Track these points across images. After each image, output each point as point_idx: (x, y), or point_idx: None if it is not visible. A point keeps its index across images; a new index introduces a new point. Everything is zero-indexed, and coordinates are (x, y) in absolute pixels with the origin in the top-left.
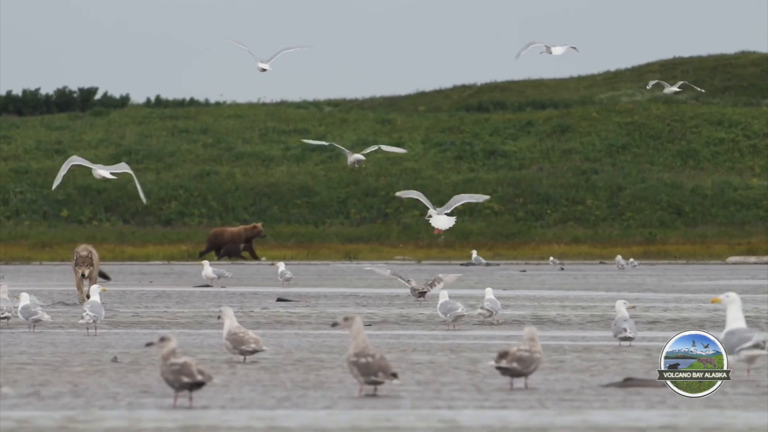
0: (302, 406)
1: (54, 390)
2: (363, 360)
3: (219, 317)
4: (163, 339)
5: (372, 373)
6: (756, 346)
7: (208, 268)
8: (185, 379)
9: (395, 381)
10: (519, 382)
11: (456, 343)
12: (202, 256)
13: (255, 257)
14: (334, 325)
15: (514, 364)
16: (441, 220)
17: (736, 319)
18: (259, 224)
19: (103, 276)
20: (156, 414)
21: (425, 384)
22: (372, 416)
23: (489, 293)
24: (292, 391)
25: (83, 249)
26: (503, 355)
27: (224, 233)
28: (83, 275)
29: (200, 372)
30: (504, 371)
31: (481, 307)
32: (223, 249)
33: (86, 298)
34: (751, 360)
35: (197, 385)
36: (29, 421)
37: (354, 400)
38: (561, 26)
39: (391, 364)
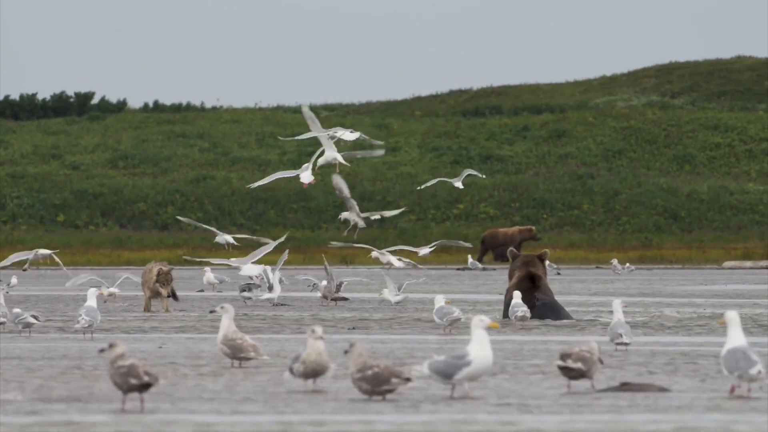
0: (300, 410)
1: (53, 394)
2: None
3: (212, 311)
4: (111, 345)
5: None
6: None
7: (209, 274)
8: (133, 381)
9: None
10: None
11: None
12: (480, 260)
13: None
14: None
15: (579, 364)
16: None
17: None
18: (533, 227)
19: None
20: (155, 417)
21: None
22: (360, 420)
23: (439, 300)
24: (287, 395)
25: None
26: (567, 355)
27: (498, 234)
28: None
29: (147, 373)
30: (567, 371)
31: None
32: (497, 251)
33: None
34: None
35: (145, 387)
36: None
37: (357, 404)
38: (557, 31)
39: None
